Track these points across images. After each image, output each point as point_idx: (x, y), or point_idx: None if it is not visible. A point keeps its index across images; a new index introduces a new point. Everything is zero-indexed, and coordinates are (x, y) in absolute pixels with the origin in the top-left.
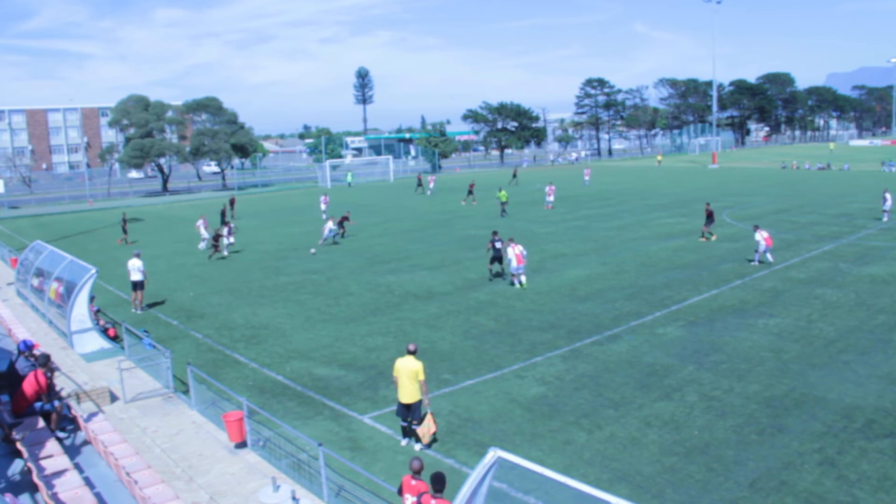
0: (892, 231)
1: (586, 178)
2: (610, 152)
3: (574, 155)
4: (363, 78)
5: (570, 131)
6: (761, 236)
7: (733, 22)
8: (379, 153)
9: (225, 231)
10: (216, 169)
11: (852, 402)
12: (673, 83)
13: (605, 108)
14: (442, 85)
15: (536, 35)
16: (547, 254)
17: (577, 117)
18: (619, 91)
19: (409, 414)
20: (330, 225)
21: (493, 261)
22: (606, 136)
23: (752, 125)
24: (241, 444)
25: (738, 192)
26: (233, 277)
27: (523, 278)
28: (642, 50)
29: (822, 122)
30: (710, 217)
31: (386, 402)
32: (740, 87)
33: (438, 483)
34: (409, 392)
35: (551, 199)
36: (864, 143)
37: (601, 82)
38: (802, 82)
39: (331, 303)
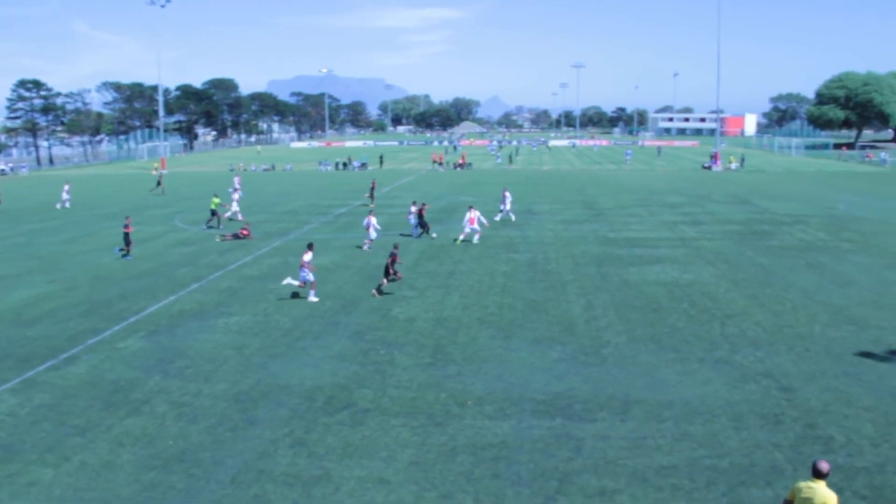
0: (333, 224)
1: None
2: (51, 160)
3: (8, 164)
4: None
5: (4, 138)
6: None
7: (178, 26)
8: None
9: None
10: None
11: (313, 384)
12: (117, 87)
13: (42, 112)
14: None
15: None
16: None
17: (10, 123)
18: (59, 94)
19: None
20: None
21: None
22: (46, 143)
23: (201, 129)
24: None
25: (190, 196)
26: None
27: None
28: (83, 51)
29: (265, 126)
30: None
31: None
32: (187, 92)
33: None
34: None
35: None
36: (304, 144)
37: (37, 84)
38: (246, 88)
39: None
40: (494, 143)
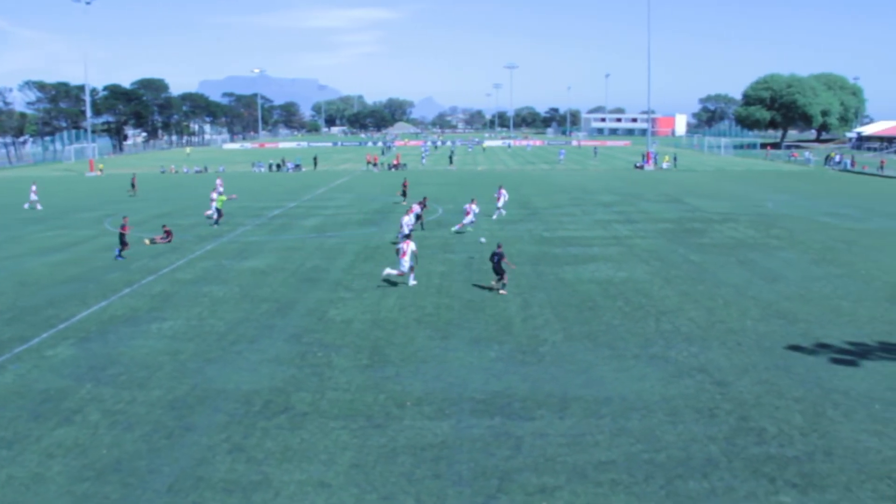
0: (268, 226)
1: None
2: None
3: None
4: None
5: None
6: (471, 208)
7: (106, 25)
8: None
9: None
10: None
11: (250, 388)
12: (42, 86)
13: None
14: None
15: None
16: None
17: None
18: None
19: None
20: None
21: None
22: None
23: (130, 130)
24: None
25: (121, 199)
26: None
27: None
28: (5, 48)
29: (197, 127)
30: None
31: None
32: (115, 93)
33: None
34: None
35: None
36: (237, 146)
37: None
38: (176, 88)
39: None
40: (429, 143)
